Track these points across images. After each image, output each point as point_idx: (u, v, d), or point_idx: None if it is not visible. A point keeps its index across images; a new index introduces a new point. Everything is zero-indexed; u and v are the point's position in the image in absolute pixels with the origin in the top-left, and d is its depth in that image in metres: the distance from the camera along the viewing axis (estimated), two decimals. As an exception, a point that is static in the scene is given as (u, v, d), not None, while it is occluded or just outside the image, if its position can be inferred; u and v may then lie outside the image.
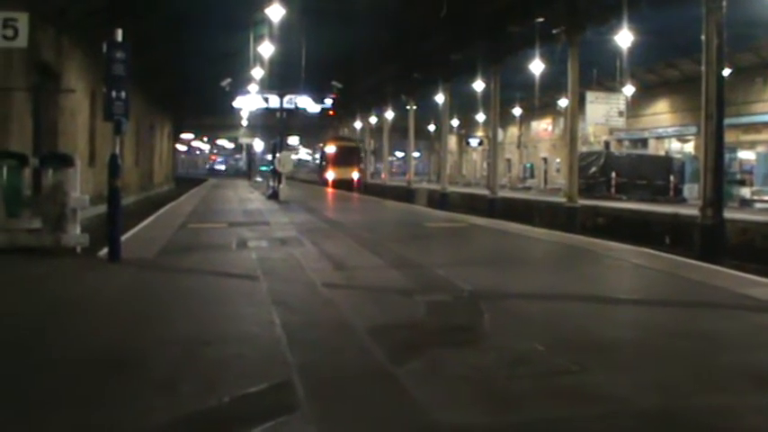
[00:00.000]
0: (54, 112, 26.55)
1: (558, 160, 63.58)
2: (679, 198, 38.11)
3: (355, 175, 61.45)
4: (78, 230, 13.10)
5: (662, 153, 49.99)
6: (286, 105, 41.18)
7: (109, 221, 12.13)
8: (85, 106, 32.01)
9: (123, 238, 13.17)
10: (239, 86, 53.49)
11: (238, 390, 5.35)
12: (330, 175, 61.96)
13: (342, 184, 56.49)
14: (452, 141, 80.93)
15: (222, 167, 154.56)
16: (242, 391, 5.34)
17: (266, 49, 41.27)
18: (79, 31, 28.32)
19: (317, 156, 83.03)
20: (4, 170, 13.12)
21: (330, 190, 53.03)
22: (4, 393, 5.34)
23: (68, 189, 12.96)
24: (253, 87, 51.20)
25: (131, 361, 6.17)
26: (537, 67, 39.54)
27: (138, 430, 4.70)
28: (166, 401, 5.14)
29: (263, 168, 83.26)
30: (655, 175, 40.40)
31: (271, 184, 36.64)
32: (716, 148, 18.85)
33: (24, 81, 22.37)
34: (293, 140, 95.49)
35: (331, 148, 66.03)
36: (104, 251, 12.29)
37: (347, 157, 62.96)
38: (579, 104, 30.84)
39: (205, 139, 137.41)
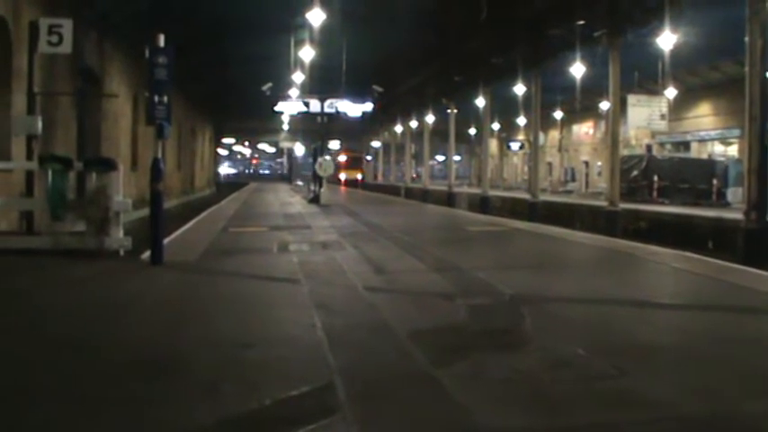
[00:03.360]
0: (97, 116, 26.86)
1: (599, 164, 63.25)
2: (722, 202, 37.73)
3: (359, 176, 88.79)
4: (121, 233, 13.21)
5: (705, 156, 49.53)
6: (327, 110, 41.14)
7: (151, 225, 12.20)
8: (128, 110, 32.36)
9: (165, 241, 13.23)
10: (280, 91, 53.66)
11: (280, 392, 5.37)
12: (342, 175, 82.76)
13: (350, 183, 78.71)
14: (493, 145, 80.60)
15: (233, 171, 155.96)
16: (284, 393, 5.35)
17: (307, 53, 41.37)
18: (121, 35, 28.60)
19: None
20: (50, 174, 13.27)
21: (369, 193, 56.34)
22: (52, 394, 5.39)
23: (111, 192, 13.08)
24: (294, 92, 51.35)
25: (174, 363, 6.22)
26: (578, 69, 39.32)
27: (181, 431, 4.73)
28: (209, 403, 5.17)
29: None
30: (697, 178, 40.00)
31: (312, 187, 36.79)
32: (760, 151, 18.63)
33: (68, 86, 22.64)
34: (334, 145, 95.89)
35: (343, 157, 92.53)
36: (147, 254, 12.37)
37: (354, 163, 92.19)
38: (621, 107, 30.63)
39: (246, 143, 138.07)
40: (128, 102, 32.39)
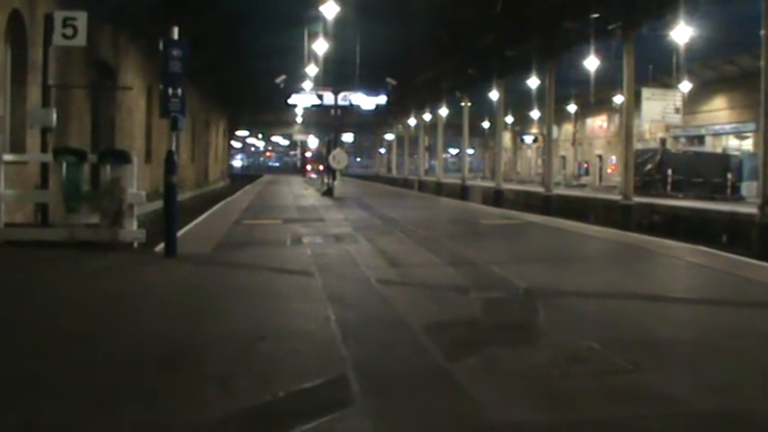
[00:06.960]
0: (111, 109, 26.92)
1: (613, 157, 63.02)
2: (737, 196, 37.57)
3: (321, 168, 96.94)
4: (135, 226, 13.23)
5: (719, 150, 49.30)
6: (340, 102, 41.14)
7: (165, 217, 12.20)
8: (142, 103, 32.41)
9: (179, 233, 13.26)
10: (294, 83, 53.71)
11: (293, 385, 5.37)
12: (309, 166, 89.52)
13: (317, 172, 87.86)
14: (507, 138, 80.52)
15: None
16: (297, 386, 5.35)
17: (321, 45, 41.38)
18: (135, 28, 28.63)
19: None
20: (64, 166, 13.30)
21: (383, 186, 57.03)
22: (64, 386, 5.40)
23: (126, 185, 13.09)
24: (307, 84, 51.39)
25: (188, 355, 6.22)
26: (592, 63, 39.21)
27: (194, 424, 4.72)
28: (222, 396, 5.18)
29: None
30: (712, 172, 39.80)
31: (325, 180, 36.83)
32: (775, 145, 18.60)
33: (83, 79, 22.70)
34: (348, 137, 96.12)
35: (309, 154, 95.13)
36: (161, 246, 12.39)
37: (319, 158, 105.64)
38: (635, 101, 30.56)
39: (260, 135, 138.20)
40: (142, 94, 32.44)
